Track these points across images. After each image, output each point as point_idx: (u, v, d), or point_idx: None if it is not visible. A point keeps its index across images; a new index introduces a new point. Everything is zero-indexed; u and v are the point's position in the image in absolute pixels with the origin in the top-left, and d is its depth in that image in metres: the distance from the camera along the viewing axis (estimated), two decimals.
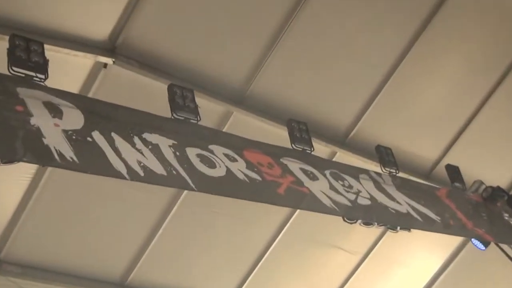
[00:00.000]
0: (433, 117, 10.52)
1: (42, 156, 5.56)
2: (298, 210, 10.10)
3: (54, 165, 5.62)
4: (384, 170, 8.91)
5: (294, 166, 7.80)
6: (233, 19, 8.45)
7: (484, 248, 10.12)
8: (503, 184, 10.68)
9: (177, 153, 6.59)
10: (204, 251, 10.45)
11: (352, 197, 8.08)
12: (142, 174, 6.11)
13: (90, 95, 7.85)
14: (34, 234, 9.02)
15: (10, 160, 5.49)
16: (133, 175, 6.04)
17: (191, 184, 6.50)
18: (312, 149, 8.15)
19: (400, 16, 9.31)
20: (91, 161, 5.87)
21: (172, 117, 6.93)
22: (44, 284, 9.37)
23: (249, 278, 10.95)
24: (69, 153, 5.65)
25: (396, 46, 9.53)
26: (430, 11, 9.33)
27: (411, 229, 8.79)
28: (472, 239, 10.09)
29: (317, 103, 9.61)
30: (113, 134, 6.20)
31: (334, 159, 9.82)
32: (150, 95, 8.03)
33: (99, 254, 9.82)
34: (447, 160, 10.56)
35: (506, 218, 10.08)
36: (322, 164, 8.24)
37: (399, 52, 9.57)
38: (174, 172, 6.41)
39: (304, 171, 7.85)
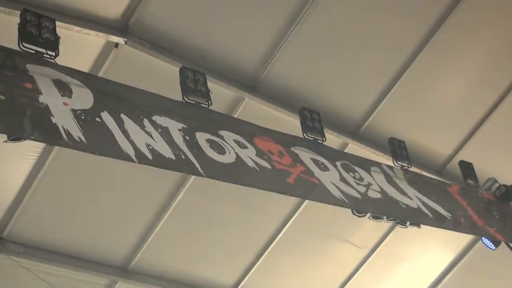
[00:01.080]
0: (449, 112, 10.47)
1: (50, 135, 5.59)
2: (306, 201, 10.09)
3: (61, 144, 5.66)
4: (396, 164, 8.91)
5: (305, 155, 7.81)
6: (249, 2, 8.40)
7: (494, 247, 10.10)
8: None
9: (187, 137, 6.61)
10: (209, 238, 10.49)
11: (363, 189, 8.10)
12: (150, 157, 6.13)
13: (100, 74, 7.84)
14: (38, 214, 9.07)
15: (17, 138, 5.52)
16: (141, 158, 6.06)
17: (200, 170, 6.52)
18: (324, 139, 8.15)
19: (420, 6, 9.22)
20: (99, 142, 5.89)
21: (183, 101, 6.94)
22: (46, 264, 9.43)
23: (254, 268, 10.99)
24: (77, 133, 5.67)
25: (414, 37, 9.46)
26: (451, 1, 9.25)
27: (421, 225, 8.78)
28: (483, 238, 10.07)
29: (331, 92, 9.58)
30: (122, 115, 6.22)
31: (345, 151, 9.77)
32: (162, 77, 8.03)
33: (103, 237, 9.88)
34: (460, 156, 10.53)
35: None
36: (333, 155, 8.25)
37: (417, 43, 9.50)
38: (182, 156, 6.42)
39: (315, 161, 7.85)
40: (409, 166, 9.03)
